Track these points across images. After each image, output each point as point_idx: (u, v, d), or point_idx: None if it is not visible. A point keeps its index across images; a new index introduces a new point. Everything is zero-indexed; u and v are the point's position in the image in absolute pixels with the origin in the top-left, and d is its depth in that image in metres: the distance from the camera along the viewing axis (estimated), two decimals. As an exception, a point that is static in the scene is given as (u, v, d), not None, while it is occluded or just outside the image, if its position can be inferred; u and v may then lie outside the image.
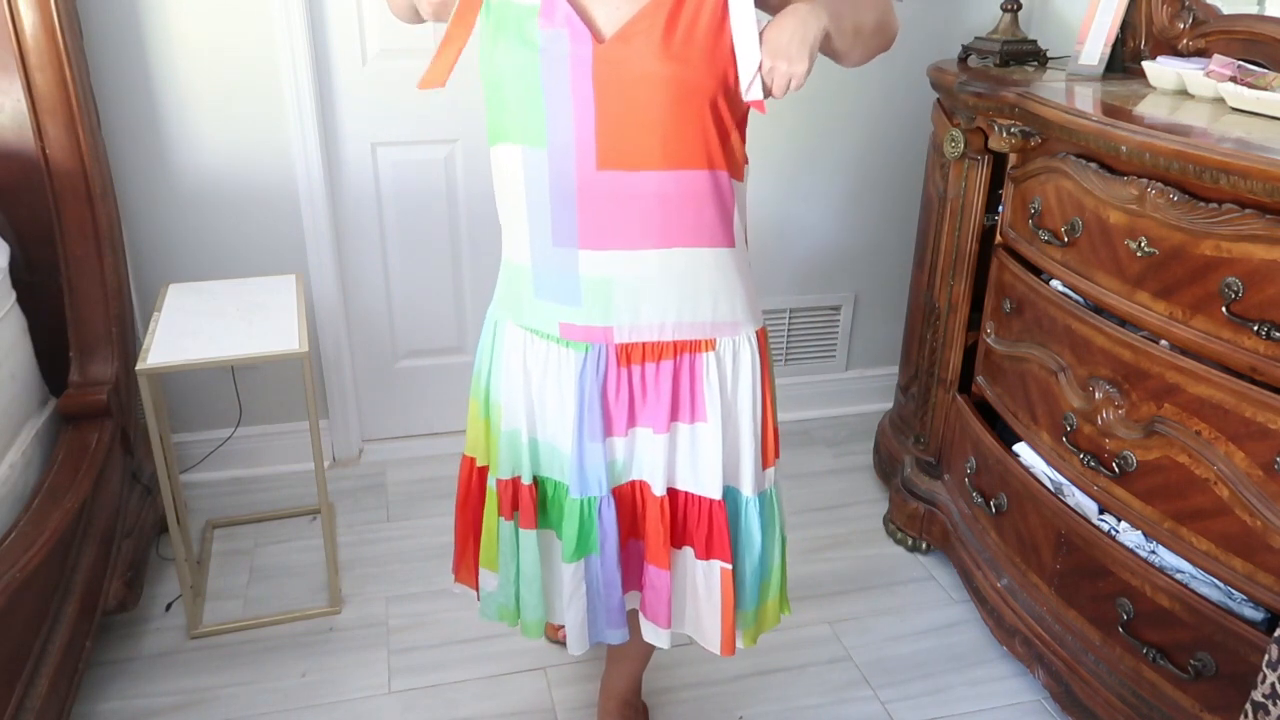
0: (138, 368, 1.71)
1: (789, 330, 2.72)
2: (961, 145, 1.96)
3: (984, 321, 1.97)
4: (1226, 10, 1.79)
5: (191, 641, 1.91)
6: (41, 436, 1.78)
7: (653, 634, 1.37)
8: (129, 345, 1.99)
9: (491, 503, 1.35)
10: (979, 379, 2.01)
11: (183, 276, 2.16)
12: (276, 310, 1.92)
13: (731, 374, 1.23)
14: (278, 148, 2.23)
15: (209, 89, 2.16)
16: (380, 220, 2.38)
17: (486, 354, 1.32)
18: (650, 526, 1.29)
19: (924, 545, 2.20)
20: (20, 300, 1.79)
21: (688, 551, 1.33)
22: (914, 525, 2.20)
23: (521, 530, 1.33)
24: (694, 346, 1.21)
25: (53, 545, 1.53)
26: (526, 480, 1.30)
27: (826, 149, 2.54)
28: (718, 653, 1.36)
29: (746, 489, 1.29)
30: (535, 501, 1.31)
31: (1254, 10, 1.76)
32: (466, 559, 1.46)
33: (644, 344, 1.20)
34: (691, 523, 1.29)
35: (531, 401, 1.27)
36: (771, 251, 2.61)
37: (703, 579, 1.32)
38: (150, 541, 2.07)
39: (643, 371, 1.21)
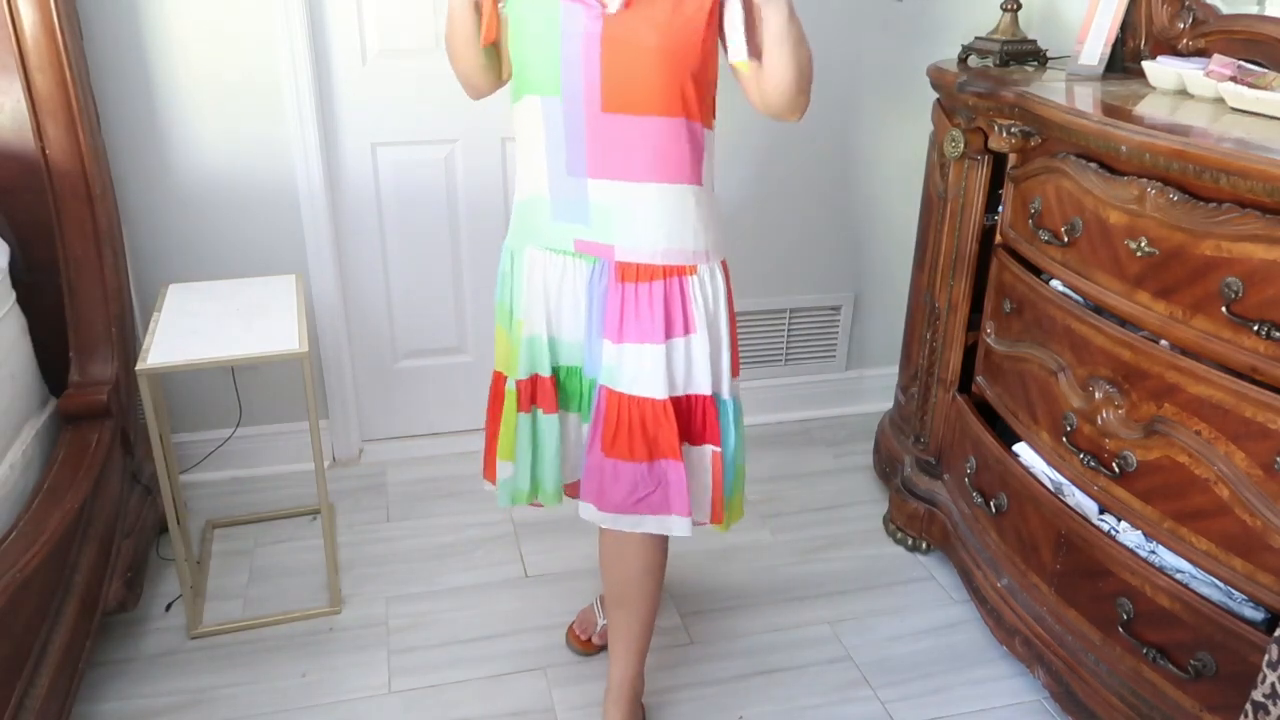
0: (138, 368, 1.71)
1: (789, 330, 2.72)
2: (961, 145, 1.96)
3: (984, 321, 1.97)
4: (1226, 10, 1.79)
5: (191, 642, 1.91)
6: (41, 436, 1.78)
7: (680, 526, 1.51)
8: (129, 345, 1.99)
9: (510, 401, 1.56)
10: (979, 379, 2.01)
11: (183, 276, 2.16)
12: (276, 310, 1.92)
13: (711, 295, 1.48)
14: (278, 148, 2.23)
15: (209, 89, 2.16)
16: (380, 220, 2.37)
17: (506, 280, 1.56)
18: (664, 430, 1.48)
19: (924, 545, 2.20)
20: (20, 300, 1.79)
21: (688, 448, 1.53)
22: (914, 525, 2.20)
23: (544, 416, 1.56)
24: (680, 271, 1.45)
25: (53, 545, 1.53)
26: (545, 374, 1.54)
27: (826, 149, 2.54)
28: (710, 523, 1.56)
29: (724, 393, 1.53)
30: (555, 389, 1.55)
31: (1254, 10, 1.76)
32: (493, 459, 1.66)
33: (638, 265, 1.44)
34: (696, 419, 1.52)
35: (549, 308, 1.51)
36: (771, 251, 2.61)
37: (697, 461, 1.54)
38: (150, 541, 2.07)
39: (636, 290, 1.44)
